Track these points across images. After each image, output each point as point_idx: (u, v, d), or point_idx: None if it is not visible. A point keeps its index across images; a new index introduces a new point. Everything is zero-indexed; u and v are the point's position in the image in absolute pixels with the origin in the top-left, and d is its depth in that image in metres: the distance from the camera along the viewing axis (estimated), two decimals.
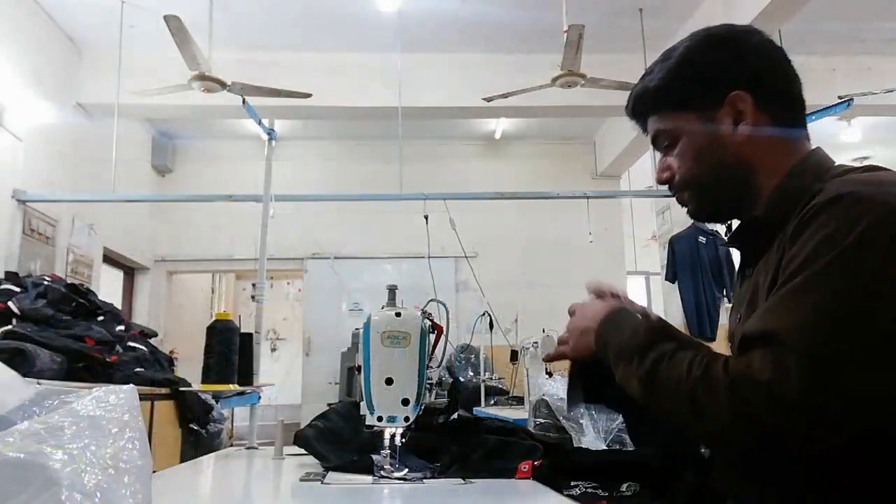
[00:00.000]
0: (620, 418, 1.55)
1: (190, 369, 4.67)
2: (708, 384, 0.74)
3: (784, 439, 0.69)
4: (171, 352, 5.49)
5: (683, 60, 0.92)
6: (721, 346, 1.18)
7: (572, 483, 0.95)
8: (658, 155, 1.01)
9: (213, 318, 1.48)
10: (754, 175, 0.89)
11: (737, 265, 1.05)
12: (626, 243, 7.27)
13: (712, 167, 0.91)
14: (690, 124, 0.91)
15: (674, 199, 0.99)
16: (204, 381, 1.44)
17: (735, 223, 0.98)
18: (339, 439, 1.12)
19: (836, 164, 0.89)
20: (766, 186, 0.89)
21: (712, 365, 0.75)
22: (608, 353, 0.89)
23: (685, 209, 0.99)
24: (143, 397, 1.40)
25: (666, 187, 0.98)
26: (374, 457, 1.04)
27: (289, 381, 8.18)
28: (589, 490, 0.95)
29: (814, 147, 0.92)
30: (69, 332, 3.02)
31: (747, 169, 0.89)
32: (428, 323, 1.05)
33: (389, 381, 1.00)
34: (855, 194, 0.74)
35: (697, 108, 0.91)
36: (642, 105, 0.97)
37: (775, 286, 0.77)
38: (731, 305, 1.04)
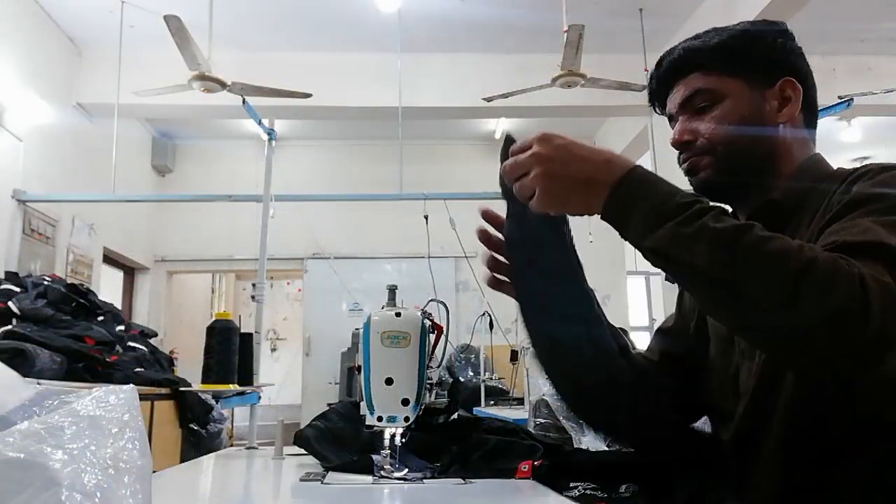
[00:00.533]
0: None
1: (190, 369, 4.67)
2: (829, 269, 0.63)
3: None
4: (171, 352, 5.49)
5: (749, 31, 0.93)
6: None
7: (571, 484, 0.95)
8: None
9: (213, 318, 1.48)
10: (775, 162, 0.90)
11: None
12: (627, 243, 7.26)
13: (749, 138, 0.89)
14: (740, 91, 0.90)
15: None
16: (204, 381, 1.43)
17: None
18: (339, 439, 1.12)
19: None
20: (784, 175, 0.90)
21: (824, 252, 0.66)
22: (638, 212, 0.72)
23: (692, 176, 0.94)
24: (143, 397, 1.40)
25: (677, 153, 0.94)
26: (374, 457, 1.04)
27: (289, 381, 8.19)
28: (588, 492, 0.94)
29: (818, 152, 0.95)
30: (69, 333, 3.03)
31: (774, 154, 0.90)
32: (428, 323, 1.05)
33: (389, 381, 1.00)
34: (891, 167, 0.79)
35: (750, 78, 0.90)
36: (693, 58, 0.92)
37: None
38: None
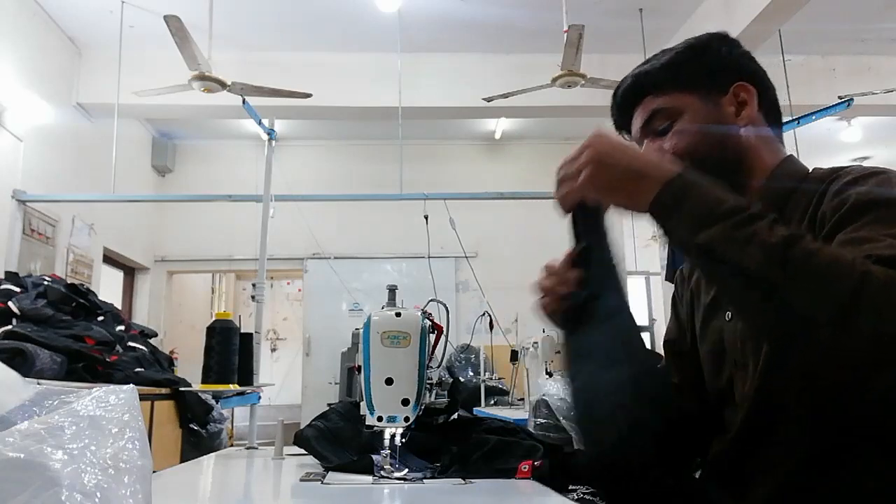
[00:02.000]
0: None
1: (190, 369, 4.67)
2: (887, 286, 0.61)
3: None
4: (171, 352, 5.49)
5: (693, 45, 0.94)
6: None
7: (570, 487, 0.95)
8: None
9: (213, 319, 1.48)
10: (744, 168, 0.91)
11: None
12: (626, 243, 7.27)
13: (712, 148, 0.89)
14: (695, 105, 0.91)
15: None
16: (204, 382, 1.43)
17: None
18: (339, 439, 1.12)
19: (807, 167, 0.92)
20: (756, 180, 0.90)
21: (877, 267, 0.63)
22: (688, 208, 0.71)
23: None
24: (143, 397, 1.40)
25: None
26: (374, 457, 1.04)
27: (289, 381, 8.19)
28: (587, 497, 0.94)
29: (789, 153, 0.96)
30: (69, 333, 3.02)
31: (741, 159, 0.90)
32: (428, 323, 1.05)
33: (389, 381, 1.00)
34: (881, 172, 0.79)
35: (703, 91, 0.91)
36: (645, 82, 0.94)
37: None
38: (702, 310, 0.98)
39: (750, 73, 0.93)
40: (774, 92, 0.96)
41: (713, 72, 0.92)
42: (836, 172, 0.84)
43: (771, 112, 0.95)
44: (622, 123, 0.99)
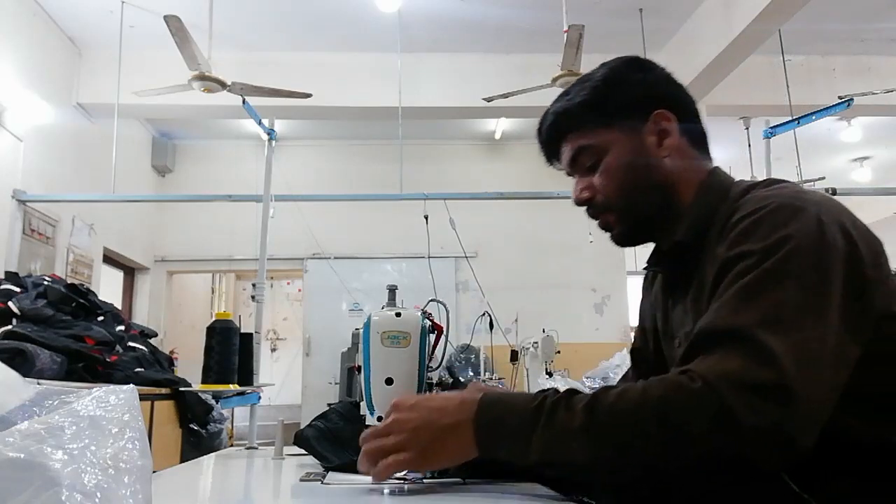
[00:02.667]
0: None
1: (190, 369, 4.67)
2: (679, 397, 0.66)
3: (781, 432, 0.64)
4: (171, 352, 5.49)
5: (608, 77, 0.94)
6: None
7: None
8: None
9: (213, 319, 1.48)
10: (674, 195, 0.91)
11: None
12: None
13: (640, 184, 0.91)
14: (618, 140, 0.91)
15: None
16: (204, 382, 1.43)
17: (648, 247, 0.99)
18: (339, 439, 1.12)
19: (733, 180, 0.92)
20: (684, 207, 0.91)
21: (666, 381, 0.68)
22: (505, 433, 0.73)
23: (608, 234, 0.96)
24: (143, 397, 1.40)
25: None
26: None
27: (289, 381, 8.19)
28: (586, 499, 0.94)
29: (714, 166, 0.95)
30: (69, 333, 3.02)
31: (669, 188, 0.91)
32: (428, 323, 1.05)
33: (389, 382, 1.00)
34: (775, 203, 0.77)
35: (623, 123, 0.92)
36: (565, 121, 0.95)
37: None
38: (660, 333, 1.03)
39: (667, 98, 0.93)
40: (694, 107, 0.96)
41: (630, 104, 0.92)
42: (743, 195, 0.84)
43: (693, 130, 0.95)
44: (550, 157, 1.00)
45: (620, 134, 0.91)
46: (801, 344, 0.66)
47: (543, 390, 0.76)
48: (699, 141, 0.95)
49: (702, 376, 0.66)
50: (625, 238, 0.96)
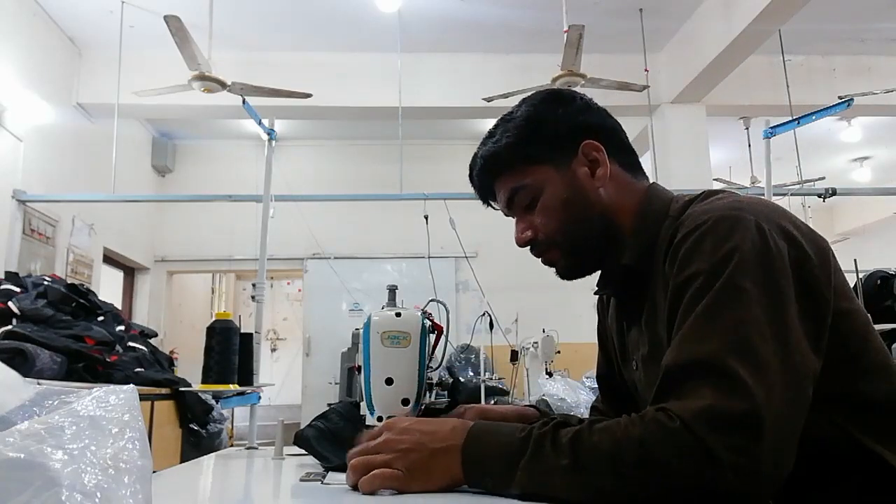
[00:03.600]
0: None
1: (190, 369, 4.67)
2: (657, 438, 0.66)
3: (770, 459, 0.65)
4: (171, 352, 5.49)
5: (530, 116, 0.93)
6: None
7: None
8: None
9: (213, 319, 1.48)
10: (614, 221, 0.92)
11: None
12: None
13: (580, 217, 0.91)
14: (550, 176, 0.91)
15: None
16: (204, 382, 1.43)
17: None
18: (339, 439, 1.12)
19: (671, 196, 0.92)
20: (626, 230, 0.91)
21: (645, 420, 0.68)
22: (491, 464, 0.74)
23: (553, 269, 0.97)
24: (143, 397, 1.40)
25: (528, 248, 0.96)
26: None
27: (289, 381, 8.19)
28: None
29: (651, 182, 0.96)
30: (69, 333, 3.02)
31: (609, 215, 0.92)
32: (428, 323, 1.05)
33: (389, 382, 1.00)
34: (713, 217, 0.77)
35: (553, 160, 0.92)
36: (495, 164, 0.94)
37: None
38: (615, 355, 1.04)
39: (592, 127, 0.93)
40: (620, 131, 0.96)
41: (557, 140, 0.92)
42: (683, 211, 0.85)
43: (622, 152, 0.95)
44: (486, 198, 1.00)
45: (552, 170, 0.91)
46: (767, 367, 0.67)
47: (532, 405, 0.76)
48: (630, 162, 0.95)
49: (678, 416, 0.66)
50: (570, 272, 0.96)
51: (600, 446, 0.69)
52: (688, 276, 0.75)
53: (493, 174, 0.96)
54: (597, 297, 1.09)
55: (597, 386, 1.15)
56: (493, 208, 1.01)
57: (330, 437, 1.12)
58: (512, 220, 0.99)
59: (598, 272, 0.98)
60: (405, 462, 0.76)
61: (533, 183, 0.92)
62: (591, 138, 0.91)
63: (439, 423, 0.80)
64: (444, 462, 0.76)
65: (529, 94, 0.98)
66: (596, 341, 1.13)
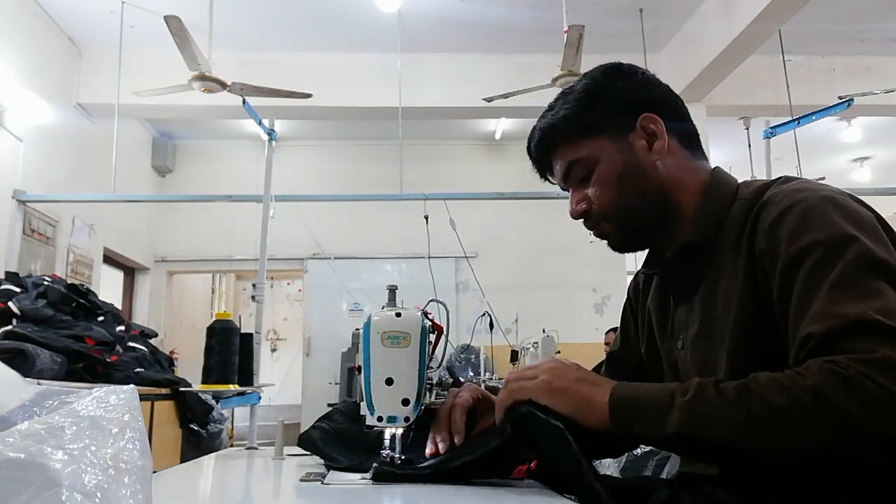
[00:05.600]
0: None
1: (190, 369, 4.67)
2: (836, 384, 0.64)
3: None
4: (172, 352, 5.49)
5: (590, 88, 0.93)
6: None
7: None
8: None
9: (213, 319, 1.48)
10: (671, 197, 0.91)
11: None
12: None
13: (635, 190, 0.91)
14: (607, 149, 0.91)
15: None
16: (204, 382, 1.43)
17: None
18: (345, 439, 1.12)
19: (736, 180, 0.93)
20: (686, 208, 0.91)
21: (813, 370, 0.67)
22: (644, 402, 0.75)
23: (606, 242, 0.97)
24: (143, 397, 1.40)
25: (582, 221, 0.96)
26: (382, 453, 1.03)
27: (289, 382, 8.19)
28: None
29: (715, 166, 0.96)
30: (69, 333, 3.02)
31: (665, 191, 0.91)
32: (428, 323, 1.05)
33: (389, 382, 1.00)
34: (809, 195, 0.78)
35: (611, 132, 0.92)
36: (552, 136, 0.95)
37: (777, 297, 0.76)
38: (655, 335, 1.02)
39: (652, 101, 0.92)
40: (682, 108, 0.96)
41: (615, 112, 0.92)
42: (762, 193, 0.85)
43: (684, 132, 0.94)
44: (543, 172, 1.00)
45: (609, 143, 0.91)
46: None
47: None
48: (691, 140, 0.95)
49: (852, 365, 0.65)
50: (623, 245, 0.96)
51: (771, 396, 0.67)
52: (803, 248, 0.74)
53: (550, 146, 0.96)
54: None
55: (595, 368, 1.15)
56: (551, 182, 1.00)
57: (336, 438, 1.12)
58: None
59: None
60: (549, 376, 0.81)
61: (589, 155, 0.92)
62: (650, 112, 0.91)
63: (593, 373, 0.85)
64: (588, 391, 0.79)
65: (592, 68, 0.98)
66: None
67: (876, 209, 0.81)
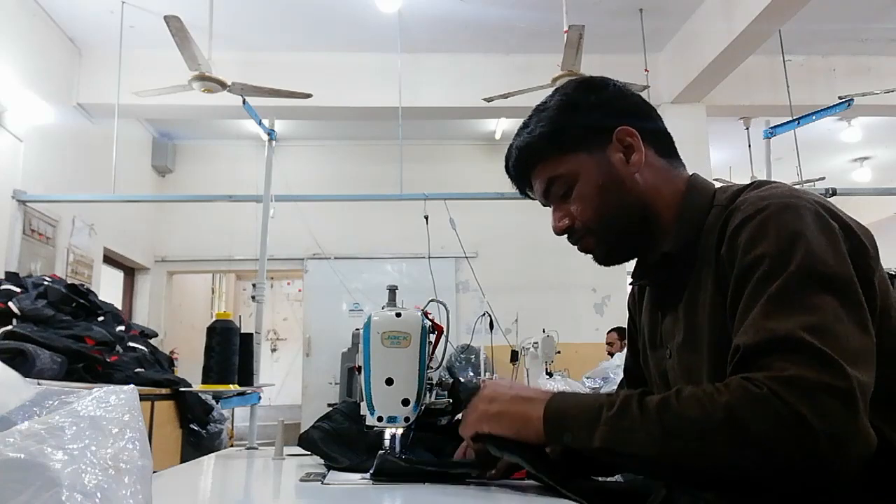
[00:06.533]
0: None
1: (190, 369, 4.66)
2: (747, 403, 0.66)
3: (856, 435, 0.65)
4: (172, 352, 5.49)
5: (564, 104, 0.94)
6: None
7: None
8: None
9: (214, 319, 1.48)
10: (652, 208, 0.91)
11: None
12: None
13: (615, 204, 0.91)
14: (585, 164, 0.92)
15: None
16: (204, 382, 1.43)
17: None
18: (345, 439, 1.12)
19: (714, 186, 0.93)
20: (665, 218, 0.91)
21: (730, 387, 0.68)
22: (573, 416, 0.77)
23: (591, 256, 0.97)
24: (143, 398, 1.40)
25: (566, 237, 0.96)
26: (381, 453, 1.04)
27: (289, 382, 8.20)
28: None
29: (691, 172, 0.95)
30: (69, 333, 3.02)
31: (646, 202, 0.91)
32: (428, 323, 1.05)
33: (390, 382, 1.00)
34: (775, 203, 0.78)
35: (588, 147, 0.92)
36: (529, 156, 0.95)
37: (733, 304, 0.77)
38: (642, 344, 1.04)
39: (627, 113, 0.93)
40: (655, 116, 0.96)
41: (590, 127, 0.92)
42: (734, 199, 0.84)
43: (659, 140, 0.94)
44: (523, 189, 1.00)
45: (587, 158, 0.92)
46: (846, 344, 0.67)
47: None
48: (666, 147, 0.95)
49: (765, 383, 0.66)
50: (607, 258, 0.96)
51: (687, 411, 0.69)
52: (754, 259, 0.75)
53: (528, 165, 0.96)
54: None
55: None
56: (531, 198, 1.01)
57: (336, 438, 1.12)
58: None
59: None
60: (485, 404, 0.86)
61: (568, 172, 0.92)
62: (625, 124, 0.91)
63: (520, 384, 0.90)
64: (523, 409, 0.82)
65: (564, 83, 0.99)
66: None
67: (877, 208, 0.80)
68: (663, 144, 0.95)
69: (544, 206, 0.99)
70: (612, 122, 0.91)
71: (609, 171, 0.91)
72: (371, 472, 0.94)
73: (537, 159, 0.95)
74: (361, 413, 1.04)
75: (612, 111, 0.92)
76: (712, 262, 0.82)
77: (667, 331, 0.93)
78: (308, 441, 1.11)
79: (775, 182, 0.86)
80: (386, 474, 0.94)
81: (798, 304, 0.70)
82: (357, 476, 0.97)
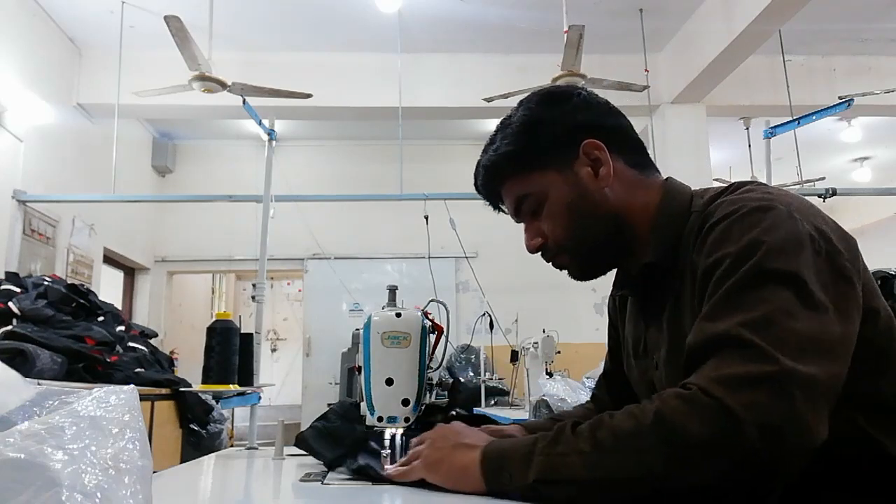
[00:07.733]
0: None
1: (190, 369, 4.67)
2: (674, 406, 0.66)
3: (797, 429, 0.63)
4: (172, 352, 5.50)
5: (527, 120, 0.91)
6: None
7: None
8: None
9: (214, 319, 1.48)
10: (626, 220, 0.90)
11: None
12: None
13: (587, 221, 0.89)
14: (554, 181, 0.89)
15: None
16: (204, 382, 1.43)
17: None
18: (335, 437, 1.12)
19: (691, 190, 0.91)
20: (641, 229, 0.89)
21: (662, 396, 0.68)
22: (510, 455, 0.75)
23: (566, 272, 0.95)
24: (143, 398, 1.40)
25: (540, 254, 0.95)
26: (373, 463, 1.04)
27: (289, 382, 8.20)
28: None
29: (666, 177, 0.94)
30: (69, 333, 3.02)
31: (618, 215, 0.89)
32: (428, 323, 1.05)
33: (390, 382, 1.00)
34: (745, 206, 0.76)
35: (555, 163, 0.90)
36: (496, 174, 0.93)
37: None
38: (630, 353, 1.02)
39: (592, 125, 0.90)
40: (625, 125, 0.94)
41: (555, 144, 0.89)
42: (709, 205, 0.83)
43: (629, 148, 0.92)
44: (496, 205, 0.98)
45: (555, 174, 0.89)
46: (789, 336, 0.66)
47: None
48: (637, 155, 0.93)
49: (695, 384, 0.66)
50: (582, 274, 0.95)
51: (619, 425, 0.69)
52: (714, 261, 0.74)
53: (495, 184, 0.95)
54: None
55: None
56: (504, 212, 0.99)
57: (326, 436, 1.12)
58: (512, 220, 0.99)
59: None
60: (428, 450, 0.85)
61: (537, 190, 0.90)
62: (591, 137, 0.89)
63: (472, 430, 0.87)
64: (462, 457, 0.80)
65: (526, 95, 0.96)
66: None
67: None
68: (634, 152, 0.92)
69: (517, 223, 0.97)
70: (577, 136, 0.89)
71: (577, 188, 0.88)
72: (352, 469, 0.95)
73: (504, 178, 0.93)
74: (361, 413, 1.04)
75: (576, 124, 0.90)
76: (690, 269, 0.81)
77: (652, 341, 0.92)
78: (301, 440, 1.12)
79: (752, 184, 0.84)
80: (364, 476, 0.95)
81: (744, 302, 0.69)
82: (356, 476, 0.97)
